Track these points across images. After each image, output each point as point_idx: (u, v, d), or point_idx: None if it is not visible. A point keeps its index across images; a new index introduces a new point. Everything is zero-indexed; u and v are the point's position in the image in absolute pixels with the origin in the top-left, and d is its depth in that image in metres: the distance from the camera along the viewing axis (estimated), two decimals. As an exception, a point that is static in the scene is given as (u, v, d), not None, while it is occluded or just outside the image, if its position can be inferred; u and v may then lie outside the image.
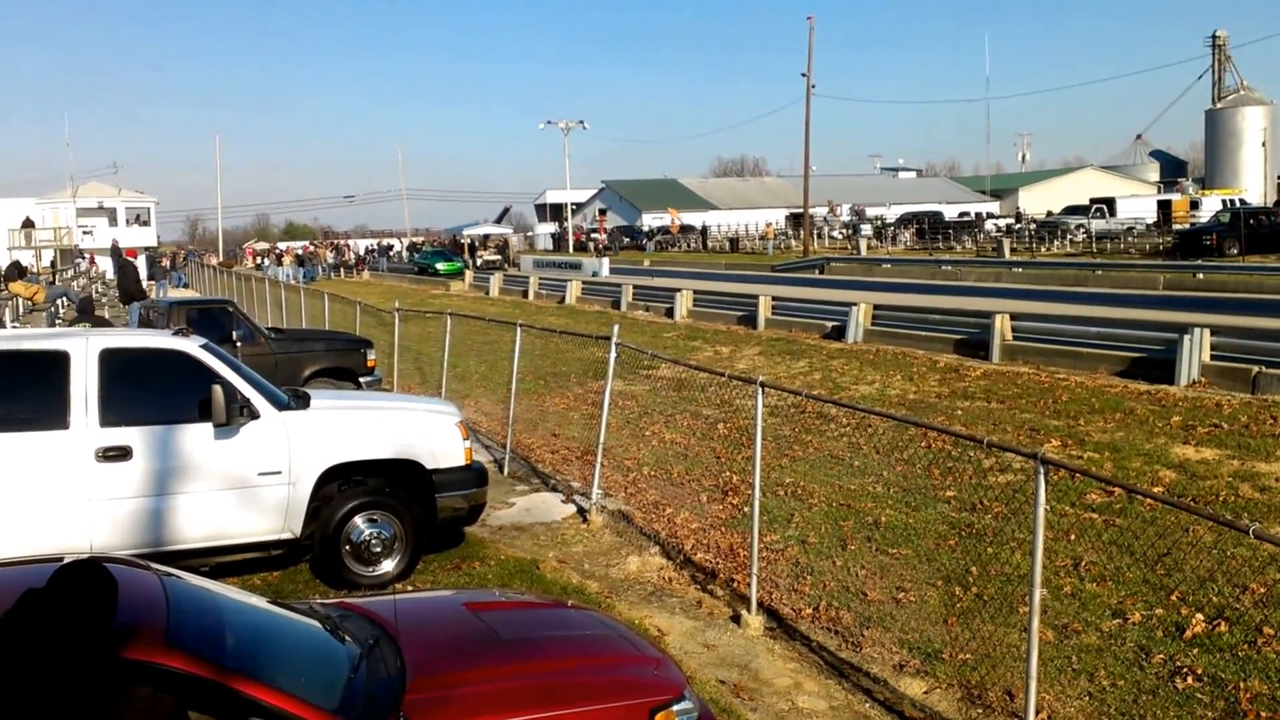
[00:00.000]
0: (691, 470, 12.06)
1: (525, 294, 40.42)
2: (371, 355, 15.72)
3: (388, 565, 8.20)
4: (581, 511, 10.40)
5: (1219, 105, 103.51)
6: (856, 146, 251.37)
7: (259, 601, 4.96)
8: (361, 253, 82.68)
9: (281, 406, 8.10)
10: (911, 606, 7.68)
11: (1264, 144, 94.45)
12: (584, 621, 5.49)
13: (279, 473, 7.90)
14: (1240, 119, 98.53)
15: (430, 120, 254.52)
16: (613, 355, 10.71)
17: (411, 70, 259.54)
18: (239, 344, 14.25)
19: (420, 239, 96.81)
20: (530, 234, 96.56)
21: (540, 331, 15.74)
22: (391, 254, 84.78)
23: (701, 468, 12.13)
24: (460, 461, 8.63)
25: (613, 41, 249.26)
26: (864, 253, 58.46)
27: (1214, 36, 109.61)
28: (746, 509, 8.24)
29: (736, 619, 7.52)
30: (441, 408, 9.27)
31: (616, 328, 11.35)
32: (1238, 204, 56.94)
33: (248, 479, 7.83)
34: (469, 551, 8.99)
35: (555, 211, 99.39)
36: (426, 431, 8.60)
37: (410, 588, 7.90)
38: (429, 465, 8.43)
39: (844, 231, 74.22)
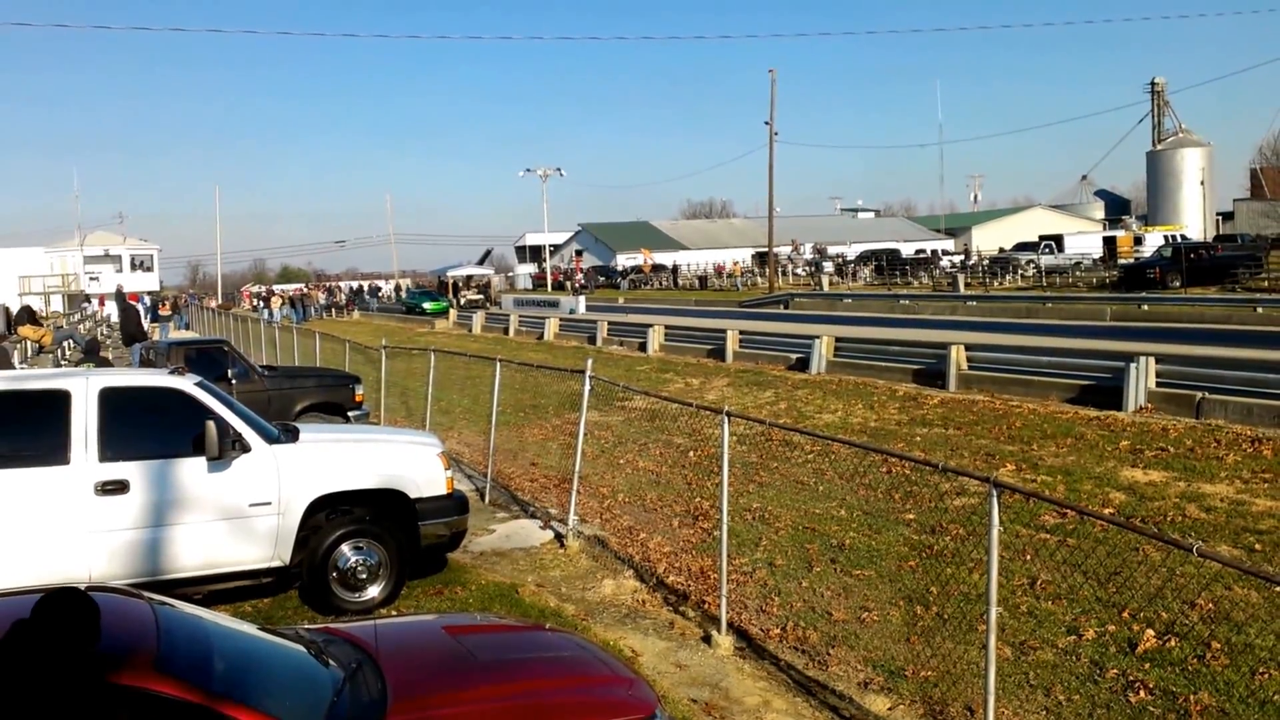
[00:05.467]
0: (664, 496, 12.02)
1: (506, 331, 40.36)
2: (359, 390, 15.63)
3: (373, 591, 8.12)
4: (559, 537, 10.33)
5: (1159, 147, 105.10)
6: (818, 189, 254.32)
7: (248, 628, 4.90)
8: (351, 293, 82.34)
9: (272, 440, 8.04)
10: (875, 625, 7.66)
11: (1202, 183, 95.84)
12: (560, 643, 5.44)
13: (269, 503, 7.83)
14: (1179, 160, 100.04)
15: (417, 168, 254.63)
16: (586, 388, 10.69)
17: (399, 122, 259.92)
18: (234, 381, 14.15)
19: (406, 280, 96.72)
20: (511, 274, 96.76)
21: (519, 366, 15.70)
22: (380, 295, 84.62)
23: (673, 494, 12.10)
24: (442, 490, 8.58)
25: (588, 93, 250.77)
26: (826, 288, 58.78)
27: (1153, 83, 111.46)
28: (716, 533, 8.20)
29: (707, 639, 7.47)
30: (424, 439, 9.22)
31: (591, 362, 11.33)
32: (1179, 239, 57.78)
33: (239, 510, 7.76)
34: (451, 577, 8.91)
35: (534, 253, 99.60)
36: (410, 462, 8.55)
37: (394, 612, 7.81)
38: (412, 494, 8.38)
39: (807, 269, 74.72)
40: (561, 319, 39.31)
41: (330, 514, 8.12)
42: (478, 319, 44.63)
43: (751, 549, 9.72)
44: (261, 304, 65.30)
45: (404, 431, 11.27)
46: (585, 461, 11.18)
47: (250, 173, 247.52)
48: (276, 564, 7.93)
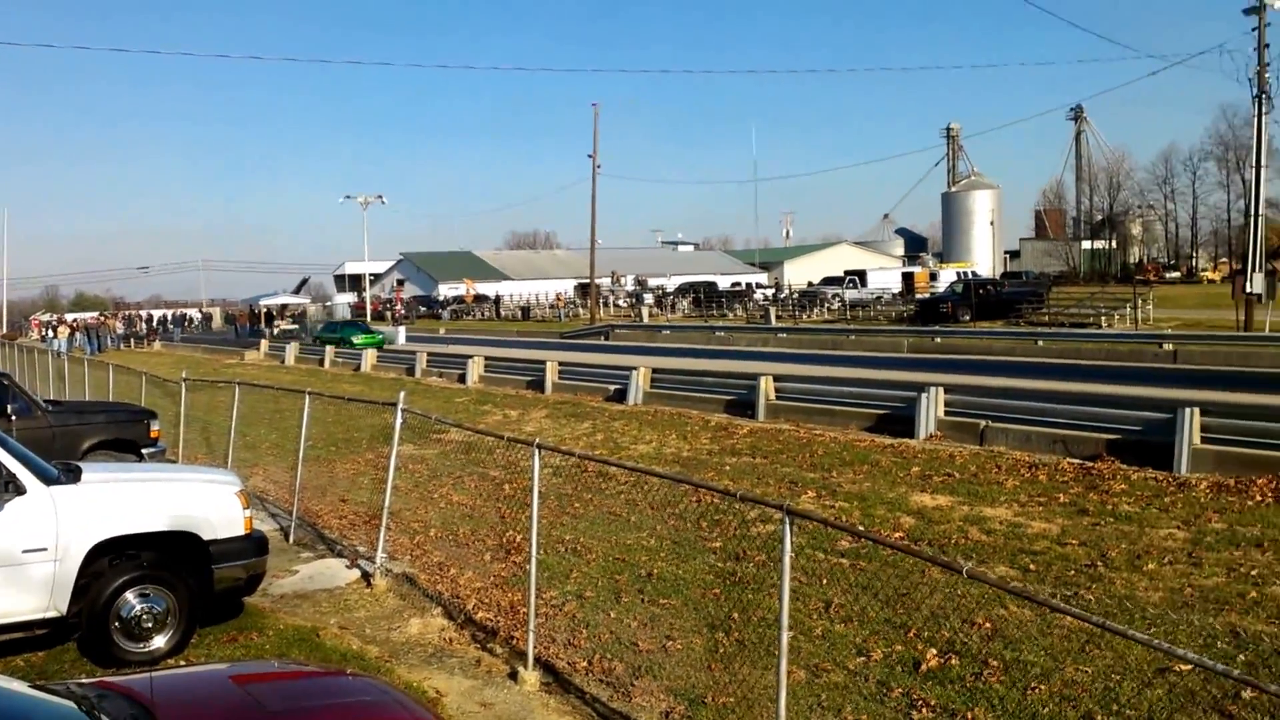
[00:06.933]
0: (477, 530, 11.87)
1: (321, 362, 39.11)
2: (155, 426, 14.81)
3: (159, 641, 7.65)
4: (366, 576, 10.03)
5: (953, 188, 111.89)
6: (642, 222, 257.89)
7: (15, 684, 4.54)
8: (154, 322, 78.19)
9: (50, 481, 7.52)
10: (679, 654, 7.75)
11: (992, 223, 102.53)
12: (359, 688, 5.27)
13: (45, 549, 7.30)
14: (971, 201, 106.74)
15: (230, 192, 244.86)
16: (399, 420, 10.46)
17: (211, 144, 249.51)
18: (13, 418, 13.17)
19: (215, 308, 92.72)
20: (329, 304, 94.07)
21: (331, 399, 15.26)
22: (187, 324, 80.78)
23: (487, 528, 11.96)
24: (240, 531, 8.21)
25: (412, 121, 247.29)
26: (646, 320, 59.66)
27: (948, 128, 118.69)
28: (528, 566, 8.15)
29: (514, 675, 7.39)
30: (221, 477, 8.81)
31: (403, 394, 11.11)
32: (970, 276, 61.48)
33: (11, 557, 7.20)
34: (248, 622, 8.51)
35: (354, 282, 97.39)
36: (204, 502, 8.15)
37: (182, 663, 7.40)
38: (206, 536, 7.98)
39: (628, 300, 75.81)
40: (380, 350, 38.45)
41: (114, 559, 7.64)
42: (291, 350, 43.09)
43: (562, 581, 9.69)
44: (50, 333, 61.18)
45: (200, 469, 10.73)
46: (397, 496, 10.95)
47: (44, 194, 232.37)
48: (52, 614, 7.38)
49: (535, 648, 7.54)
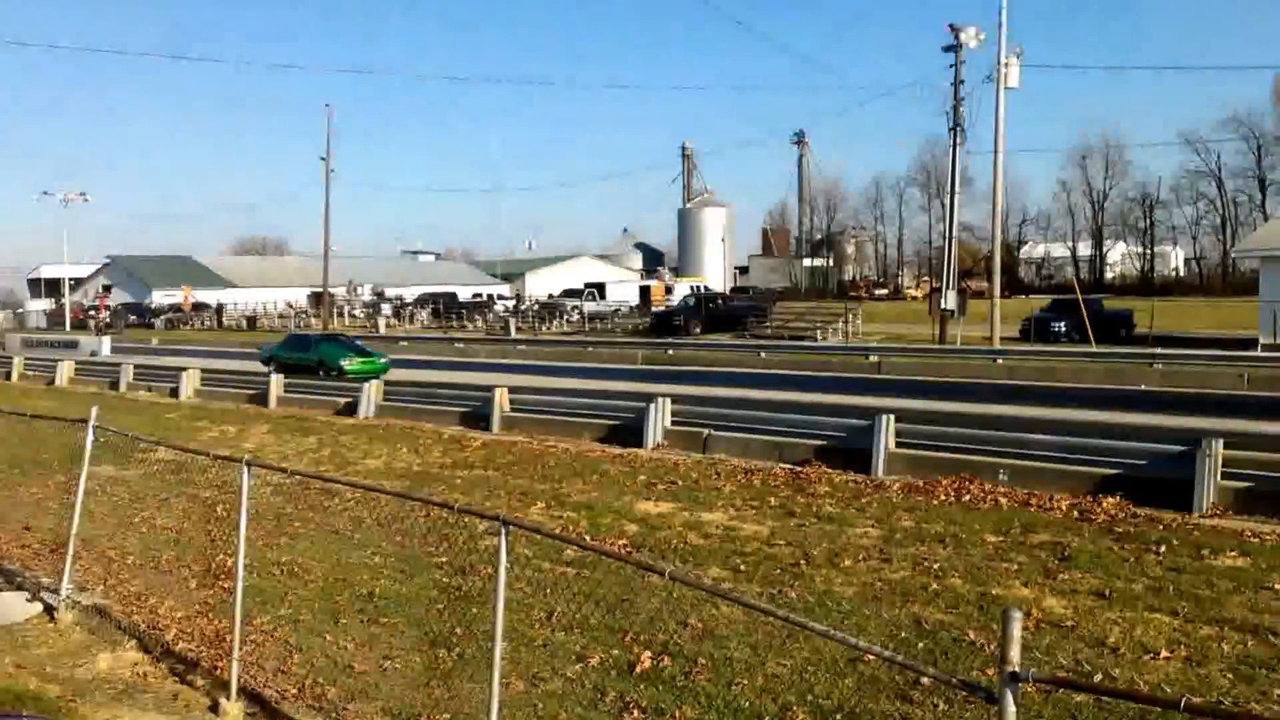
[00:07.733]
0: (183, 556, 11.16)
1: (8, 376, 35.59)
2: None
3: None
4: (49, 610, 9.19)
5: (688, 205, 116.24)
6: (383, 230, 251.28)
7: None
8: None
9: None
10: (397, 674, 7.59)
11: (723, 239, 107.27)
12: (29, 732, 4.85)
13: None
14: (705, 217, 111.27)
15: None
16: (89, 439, 9.69)
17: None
18: None
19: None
20: (20, 311, 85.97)
21: (13, 415, 13.93)
22: None
23: (195, 552, 11.26)
24: (-107, 567, 7.34)
25: (124, 113, 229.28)
26: (383, 331, 58.42)
27: (684, 147, 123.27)
28: (236, 591, 7.73)
29: (215, 708, 6.99)
30: None
31: (95, 410, 10.28)
32: (702, 290, 64.13)
33: None
34: (-97, 667, 7.63)
35: (53, 287, 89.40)
36: None
37: None
38: None
39: (365, 310, 73.91)
40: (79, 362, 35.46)
41: None
42: (-29, 363, 38.94)
43: (276, 605, 9.27)
44: None
45: None
46: (92, 522, 10.15)
47: None
48: None
49: (240, 677, 7.18)
